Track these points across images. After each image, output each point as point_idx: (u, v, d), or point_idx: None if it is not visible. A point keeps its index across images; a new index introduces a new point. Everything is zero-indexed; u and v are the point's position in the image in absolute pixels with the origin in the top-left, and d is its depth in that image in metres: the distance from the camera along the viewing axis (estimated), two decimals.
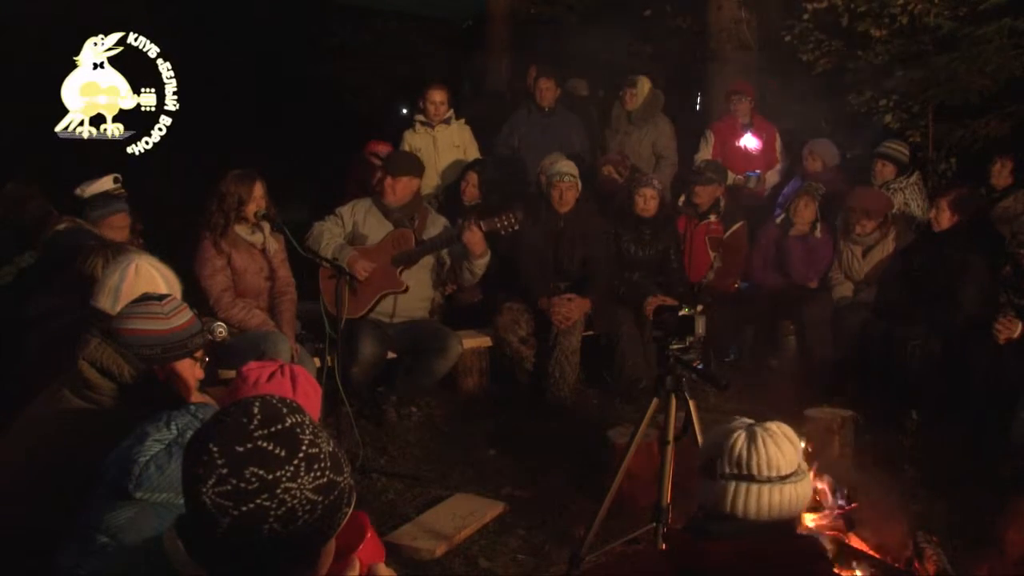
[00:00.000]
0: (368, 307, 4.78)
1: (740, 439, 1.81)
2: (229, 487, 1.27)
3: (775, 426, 1.82)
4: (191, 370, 2.41)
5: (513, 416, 4.93)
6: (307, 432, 1.34)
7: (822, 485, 3.45)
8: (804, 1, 7.20)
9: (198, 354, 2.42)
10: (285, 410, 1.36)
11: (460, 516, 3.72)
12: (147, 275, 2.80)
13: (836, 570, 2.96)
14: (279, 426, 1.32)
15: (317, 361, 4.50)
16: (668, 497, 2.90)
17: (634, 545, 3.14)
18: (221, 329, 3.17)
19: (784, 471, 1.77)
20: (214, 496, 1.27)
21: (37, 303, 3.35)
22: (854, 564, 3.09)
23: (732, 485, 1.77)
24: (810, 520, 3.32)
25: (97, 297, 2.78)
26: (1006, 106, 6.43)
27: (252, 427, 1.31)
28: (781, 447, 1.78)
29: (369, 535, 1.70)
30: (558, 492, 3.98)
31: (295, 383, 2.06)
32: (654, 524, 2.93)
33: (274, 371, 2.07)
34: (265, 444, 1.29)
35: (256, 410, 1.34)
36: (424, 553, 3.42)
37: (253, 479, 1.27)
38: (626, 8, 9.27)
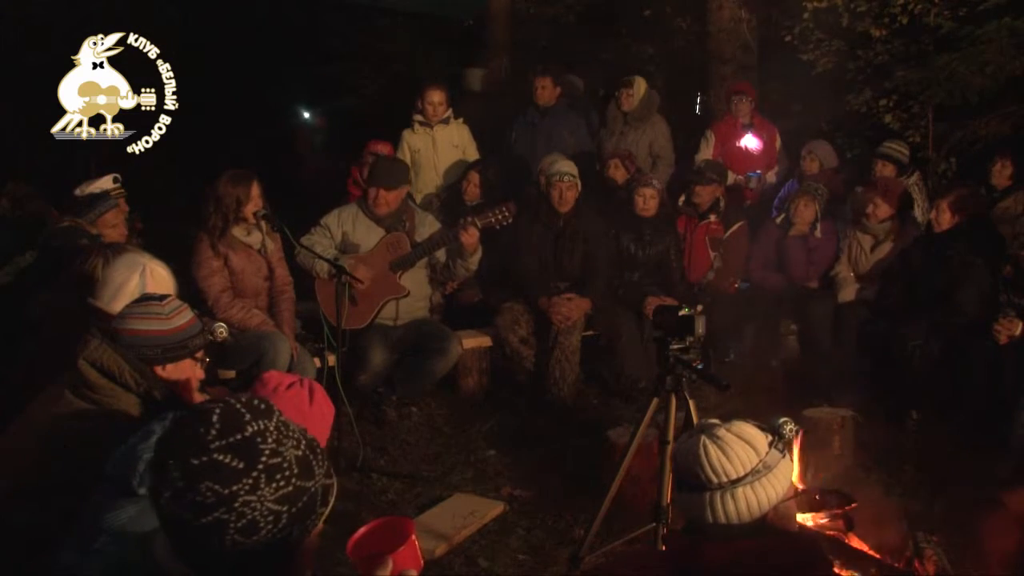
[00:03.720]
0: (372, 316, 4.76)
1: (688, 451, 1.82)
2: (186, 500, 1.25)
3: (723, 431, 1.82)
4: (192, 371, 2.40)
5: (513, 416, 4.93)
6: (269, 440, 1.30)
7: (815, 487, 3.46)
8: (804, 1, 7.21)
9: (199, 354, 2.42)
10: (248, 416, 1.32)
11: (460, 516, 3.72)
12: (160, 276, 2.81)
13: (836, 570, 2.96)
14: (238, 436, 1.29)
15: (317, 361, 4.50)
16: (668, 497, 2.90)
17: (634, 545, 3.15)
18: (222, 329, 3.17)
19: (734, 474, 1.77)
20: (172, 508, 1.26)
21: (37, 303, 3.36)
22: (854, 564, 3.08)
23: (693, 496, 1.80)
24: (810, 520, 3.32)
25: (103, 298, 2.79)
26: (1006, 106, 6.43)
27: (209, 438, 1.27)
28: (727, 452, 1.78)
29: (410, 543, 1.72)
30: (558, 492, 3.98)
31: (312, 397, 2.06)
32: (654, 524, 2.93)
33: (293, 382, 2.08)
34: (221, 457, 1.26)
35: (215, 418, 1.30)
36: (424, 553, 3.41)
37: (209, 493, 1.25)
38: (626, 8, 9.29)
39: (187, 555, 1.31)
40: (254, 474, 1.27)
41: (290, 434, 1.34)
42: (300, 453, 1.33)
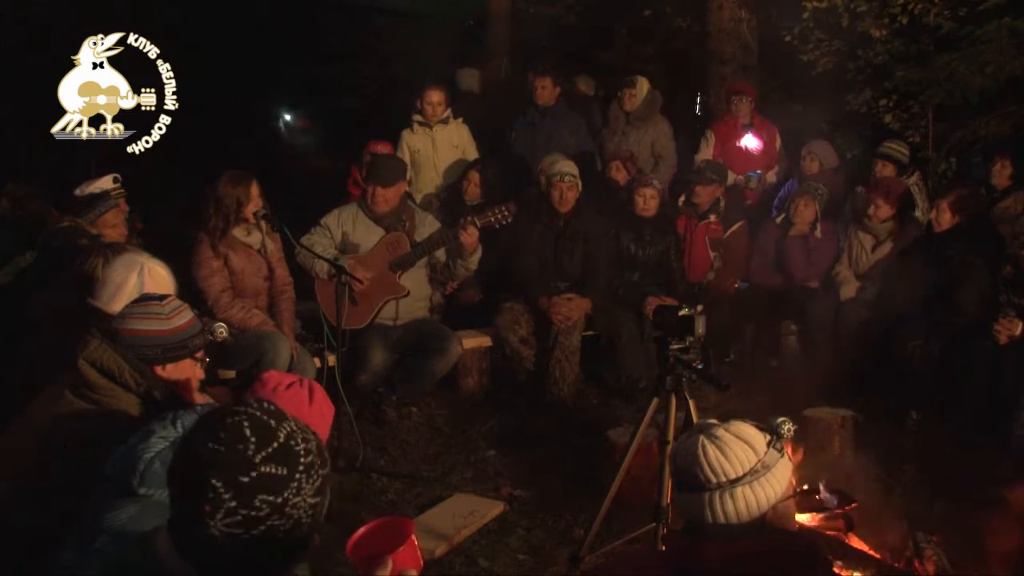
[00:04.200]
0: (372, 316, 4.76)
1: (687, 452, 1.83)
2: (240, 517, 1.28)
3: (721, 431, 1.82)
4: (192, 371, 2.40)
5: (513, 416, 4.93)
6: (299, 440, 1.34)
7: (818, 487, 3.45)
8: (804, 1, 7.21)
9: (199, 354, 2.42)
10: (273, 422, 1.34)
11: (460, 516, 3.72)
12: (158, 276, 2.81)
13: (836, 570, 2.96)
14: (275, 444, 1.32)
15: (317, 361, 4.50)
16: (668, 497, 2.90)
17: (634, 545, 3.15)
18: (222, 329, 3.17)
19: (733, 474, 1.77)
20: (224, 527, 1.28)
21: (37, 303, 3.36)
22: (854, 564, 3.08)
23: (693, 496, 1.80)
24: (810, 520, 3.32)
25: (103, 298, 2.78)
26: (1006, 106, 6.43)
27: (250, 452, 1.30)
28: (726, 452, 1.78)
29: (410, 543, 1.73)
30: (558, 492, 3.98)
31: (312, 397, 2.07)
32: (654, 524, 2.93)
33: (293, 382, 2.09)
34: (268, 468, 1.30)
35: (248, 432, 1.32)
36: (424, 553, 3.40)
37: (263, 506, 1.28)
38: (626, 8, 9.29)
39: (218, 561, 1.32)
40: (297, 476, 1.32)
41: (303, 428, 1.39)
42: (315, 443, 1.38)
